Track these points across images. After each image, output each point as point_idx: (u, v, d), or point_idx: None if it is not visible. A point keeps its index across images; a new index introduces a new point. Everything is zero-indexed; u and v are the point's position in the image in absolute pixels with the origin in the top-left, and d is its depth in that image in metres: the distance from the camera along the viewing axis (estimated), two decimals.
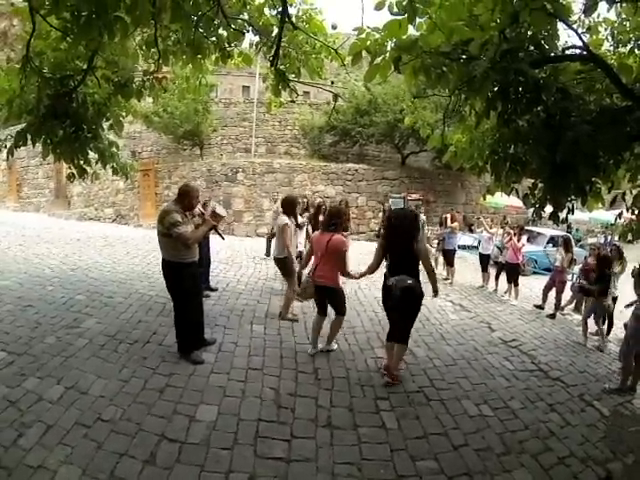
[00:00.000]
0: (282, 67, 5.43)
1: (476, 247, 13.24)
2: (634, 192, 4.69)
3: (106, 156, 6.05)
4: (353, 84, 18.68)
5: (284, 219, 5.85)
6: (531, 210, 4.87)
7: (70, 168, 5.90)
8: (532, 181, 4.58)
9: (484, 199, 5.64)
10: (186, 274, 4.41)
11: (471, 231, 16.99)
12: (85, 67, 4.81)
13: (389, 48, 3.43)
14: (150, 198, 17.35)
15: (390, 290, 4.27)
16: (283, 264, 6.02)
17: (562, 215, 4.51)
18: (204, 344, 4.78)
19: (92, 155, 6.01)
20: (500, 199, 13.64)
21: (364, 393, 4.23)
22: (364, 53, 3.54)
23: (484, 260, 10.37)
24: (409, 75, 3.50)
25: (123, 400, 3.61)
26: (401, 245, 4.34)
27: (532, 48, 3.72)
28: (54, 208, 18.91)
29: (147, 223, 15.69)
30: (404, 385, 4.47)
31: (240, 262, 9.95)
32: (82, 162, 5.88)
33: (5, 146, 5.47)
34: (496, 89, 3.66)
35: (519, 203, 16.27)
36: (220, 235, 5.09)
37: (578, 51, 3.93)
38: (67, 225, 14.92)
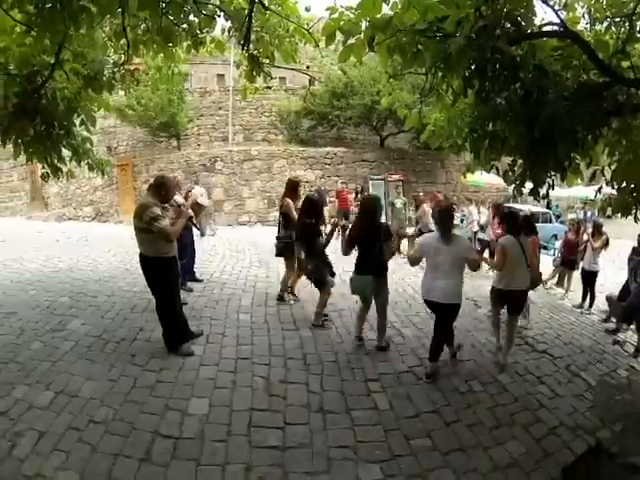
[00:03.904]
0: (255, 52, 5.31)
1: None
2: (612, 167, 4.74)
3: (80, 153, 5.87)
4: (329, 68, 18.52)
5: None
6: (511, 187, 4.91)
7: (44, 167, 5.73)
8: (512, 158, 4.59)
9: (464, 177, 5.66)
10: (168, 270, 4.35)
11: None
12: (52, 62, 4.63)
13: (363, 27, 3.37)
14: (129, 193, 17.07)
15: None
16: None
17: (542, 191, 4.55)
18: (191, 337, 4.74)
19: (66, 153, 5.84)
20: (480, 177, 13.71)
21: (354, 376, 4.26)
22: (338, 34, 3.48)
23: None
24: (384, 55, 3.45)
25: (114, 400, 3.57)
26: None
27: (508, 25, 3.70)
28: (31, 211, 18.43)
29: (128, 219, 15.37)
30: (394, 366, 4.51)
31: (223, 252, 9.89)
32: (56, 160, 5.72)
33: None
34: (473, 67, 3.64)
35: (499, 181, 16.37)
36: (196, 227, 5.01)
37: (555, 28, 3.92)
38: (46, 227, 14.56)
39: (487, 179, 14.63)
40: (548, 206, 17.80)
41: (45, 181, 6.10)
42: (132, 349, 4.50)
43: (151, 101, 16.14)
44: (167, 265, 4.34)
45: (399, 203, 10.93)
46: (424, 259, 4.50)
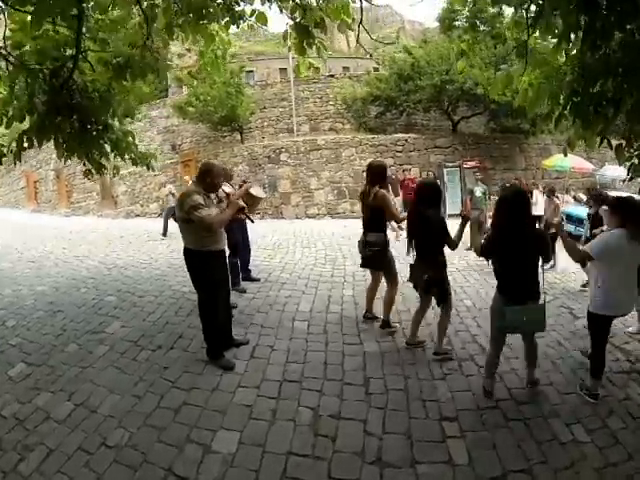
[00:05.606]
0: (303, 20, 4.61)
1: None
2: None
3: (122, 147, 5.59)
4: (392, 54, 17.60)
5: None
6: (623, 166, 3.87)
7: (84, 165, 5.51)
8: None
9: (565, 155, 4.59)
10: (212, 265, 3.90)
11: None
12: (73, 53, 4.27)
13: None
14: None
15: None
16: None
17: None
18: (233, 344, 4.28)
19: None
20: (564, 161, 12.19)
21: (426, 412, 3.33)
22: None
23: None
24: None
25: (133, 421, 3.16)
26: None
27: None
28: (102, 209, 19.23)
29: None
30: (476, 399, 3.49)
31: (287, 247, 9.38)
32: (98, 157, 5.49)
33: (11, 151, 5.04)
34: None
35: (586, 165, 14.53)
36: (249, 218, 4.60)
37: None
38: (113, 224, 15.07)
39: (572, 163, 13.02)
40: None
41: (88, 178, 5.91)
42: (166, 359, 4.09)
43: (209, 95, 16.10)
44: (211, 259, 3.90)
45: (479, 192, 9.79)
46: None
